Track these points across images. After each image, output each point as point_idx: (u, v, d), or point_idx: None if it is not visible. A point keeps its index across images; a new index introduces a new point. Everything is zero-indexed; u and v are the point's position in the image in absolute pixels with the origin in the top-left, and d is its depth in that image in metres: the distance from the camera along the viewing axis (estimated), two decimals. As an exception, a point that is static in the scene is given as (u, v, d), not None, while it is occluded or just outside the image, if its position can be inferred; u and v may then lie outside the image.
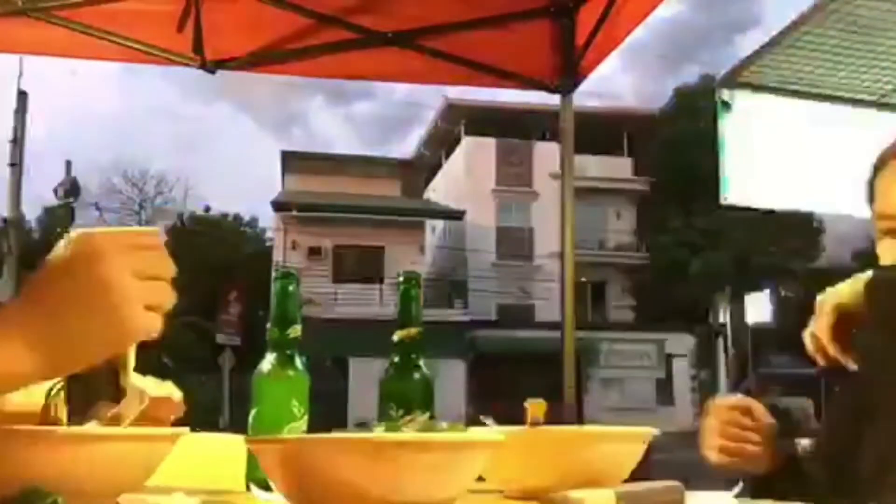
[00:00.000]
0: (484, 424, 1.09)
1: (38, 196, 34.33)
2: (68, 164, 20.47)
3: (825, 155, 3.82)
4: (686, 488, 0.96)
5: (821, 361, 1.21)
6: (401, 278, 1.22)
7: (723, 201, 3.86)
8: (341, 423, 1.01)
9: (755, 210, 4.71)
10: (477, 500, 1.00)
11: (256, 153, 66.35)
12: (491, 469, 1.02)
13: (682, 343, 29.50)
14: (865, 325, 1.15)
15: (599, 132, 28.18)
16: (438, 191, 33.25)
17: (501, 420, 1.12)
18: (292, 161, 30.97)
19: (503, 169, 31.26)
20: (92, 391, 0.93)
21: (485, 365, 25.96)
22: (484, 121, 31.00)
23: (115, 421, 0.93)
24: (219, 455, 1.27)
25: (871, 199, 1.29)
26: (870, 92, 3.94)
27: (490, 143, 31.37)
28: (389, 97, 67.12)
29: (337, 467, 0.79)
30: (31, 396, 0.96)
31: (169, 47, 3.29)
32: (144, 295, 0.76)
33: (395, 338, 1.20)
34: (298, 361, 1.19)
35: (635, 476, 1.02)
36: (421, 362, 1.20)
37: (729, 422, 1.36)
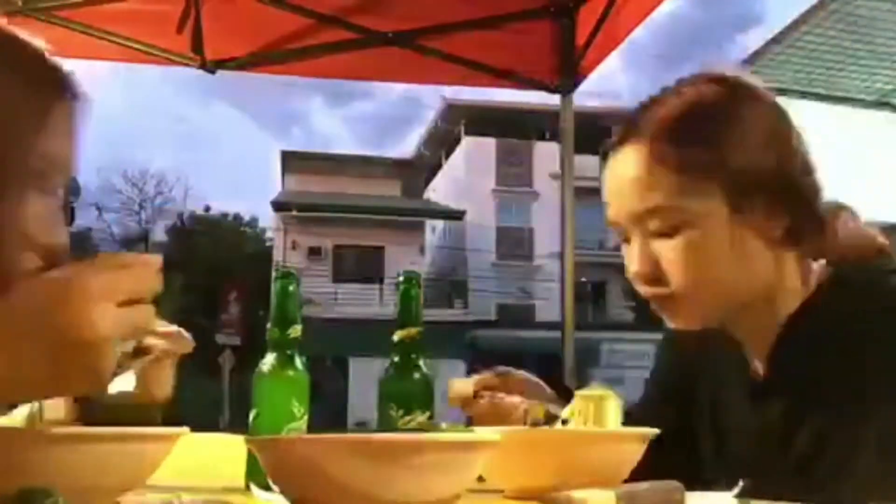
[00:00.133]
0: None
1: (38, 196, 34.25)
2: (68, 163, 20.46)
3: (825, 155, 3.82)
4: (686, 488, 0.96)
5: None
6: (401, 278, 1.22)
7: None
8: (341, 423, 1.01)
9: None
10: (477, 500, 1.00)
11: (256, 153, 66.54)
12: (491, 469, 1.02)
13: (682, 343, 29.48)
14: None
15: (599, 132, 28.14)
16: (438, 191, 33.21)
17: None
18: (292, 161, 30.98)
19: (503, 169, 31.22)
20: None
21: (485, 365, 25.88)
22: (484, 121, 30.95)
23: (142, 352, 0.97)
24: (219, 455, 1.27)
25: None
26: (870, 92, 3.94)
27: (490, 143, 31.33)
28: (389, 97, 67.07)
29: (337, 467, 0.79)
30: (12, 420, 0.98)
31: (169, 47, 3.29)
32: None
33: (395, 338, 1.19)
34: (298, 361, 1.19)
35: (635, 476, 1.02)
36: (421, 362, 1.20)
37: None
